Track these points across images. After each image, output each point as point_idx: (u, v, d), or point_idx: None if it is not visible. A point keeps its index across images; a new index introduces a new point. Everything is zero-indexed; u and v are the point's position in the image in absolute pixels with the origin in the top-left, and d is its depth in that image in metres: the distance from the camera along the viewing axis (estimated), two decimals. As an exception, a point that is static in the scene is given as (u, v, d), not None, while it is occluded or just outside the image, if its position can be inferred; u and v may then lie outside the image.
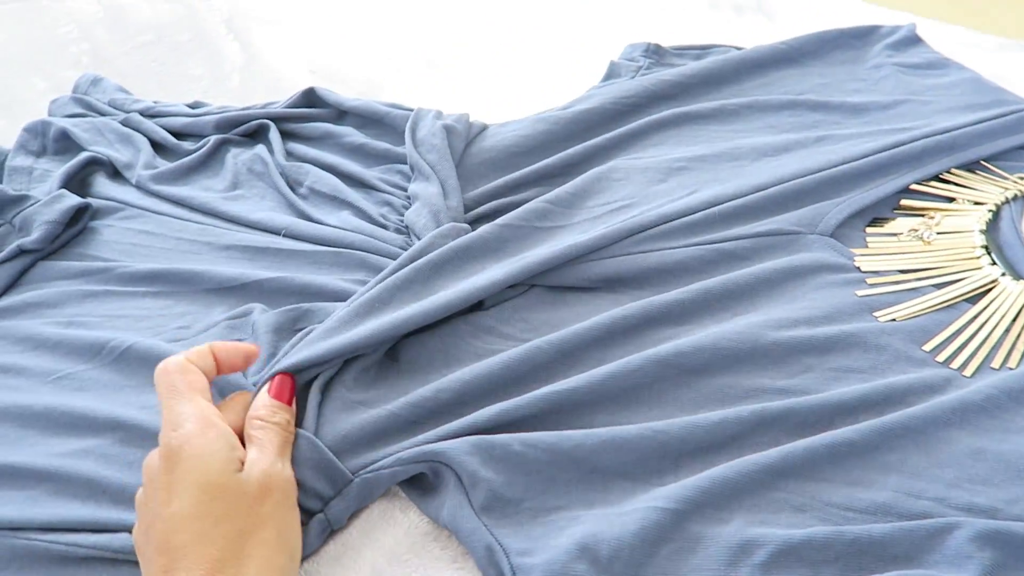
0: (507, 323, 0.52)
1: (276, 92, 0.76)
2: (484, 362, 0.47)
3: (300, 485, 0.41)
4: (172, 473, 0.36)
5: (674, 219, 0.55)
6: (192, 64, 0.81)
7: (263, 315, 0.51)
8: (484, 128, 0.65)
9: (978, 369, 0.45)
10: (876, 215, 0.57)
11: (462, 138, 0.62)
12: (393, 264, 0.52)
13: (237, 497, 0.36)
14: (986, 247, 0.52)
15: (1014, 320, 0.47)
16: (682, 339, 0.47)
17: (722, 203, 0.56)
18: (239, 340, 0.49)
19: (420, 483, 0.45)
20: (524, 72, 0.79)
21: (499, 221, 0.55)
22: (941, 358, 0.46)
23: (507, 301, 0.53)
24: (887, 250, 0.54)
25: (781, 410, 0.43)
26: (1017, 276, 0.50)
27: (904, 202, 0.57)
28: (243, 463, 0.38)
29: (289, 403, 0.43)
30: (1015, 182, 0.57)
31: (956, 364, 0.46)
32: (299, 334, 0.49)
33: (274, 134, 0.66)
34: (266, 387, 0.43)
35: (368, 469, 0.43)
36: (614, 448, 0.42)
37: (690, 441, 0.42)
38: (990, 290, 0.50)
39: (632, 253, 0.54)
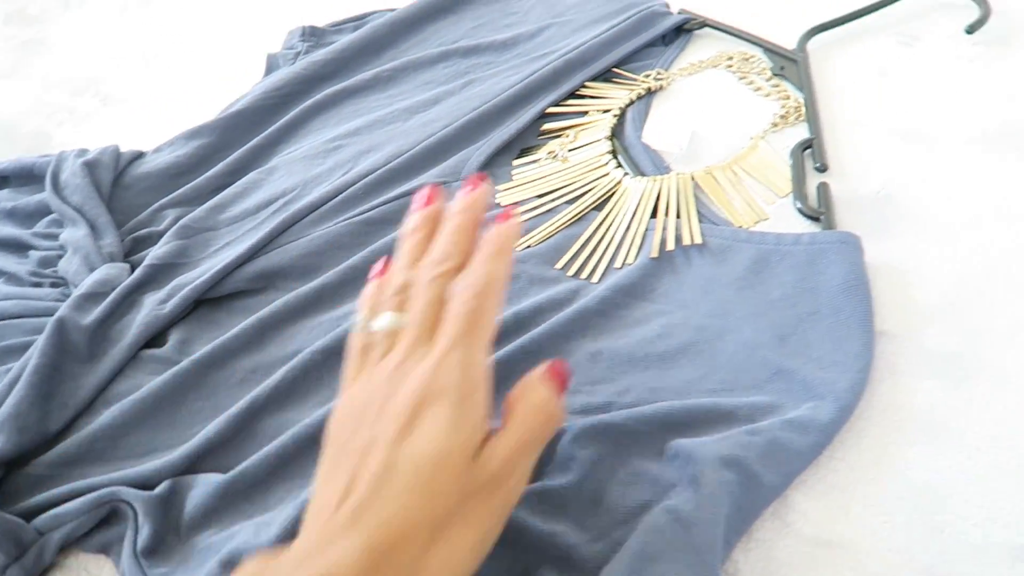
0: (173, 349, 0.50)
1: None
2: (131, 398, 0.46)
3: None
4: (418, 416, 0.30)
5: (329, 200, 0.55)
6: None
7: None
8: (139, 156, 0.63)
9: (604, 274, 0.48)
10: (524, 146, 0.59)
11: (109, 170, 0.60)
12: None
13: (463, 486, 0.29)
14: (613, 152, 0.55)
15: (633, 216, 0.50)
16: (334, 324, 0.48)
17: (374, 172, 0.56)
18: None
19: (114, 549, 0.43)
20: (208, 83, 0.76)
21: (148, 260, 0.53)
22: (572, 272, 0.48)
23: (175, 326, 0.52)
24: (529, 179, 0.55)
25: None
26: (639, 173, 0.53)
27: (544, 127, 0.59)
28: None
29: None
30: (642, 81, 0.60)
31: (585, 274, 0.48)
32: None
33: (-80, 218, 0.62)
34: None
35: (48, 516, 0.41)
36: (272, 457, 0.42)
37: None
38: (615, 193, 0.52)
39: (285, 244, 0.53)
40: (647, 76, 0.60)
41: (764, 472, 0.35)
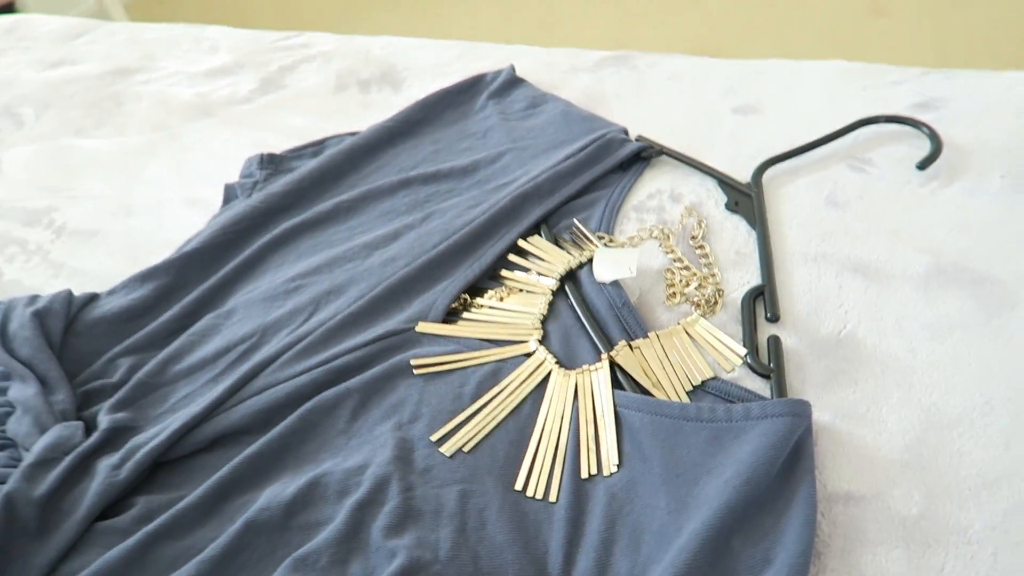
0: (131, 520, 0.48)
1: None
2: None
3: None
4: None
5: (290, 348, 0.54)
6: None
7: None
8: (92, 298, 0.61)
9: (560, 489, 0.46)
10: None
11: (60, 318, 0.59)
12: None
13: None
14: (542, 333, 0.54)
15: (562, 427, 0.48)
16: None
17: (336, 317, 0.56)
18: None
19: None
20: (170, 211, 0.75)
21: (103, 424, 0.51)
22: (531, 492, 0.46)
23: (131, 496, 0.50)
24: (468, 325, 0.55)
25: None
26: (559, 362, 0.52)
27: (503, 272, 0.58)
28: None
29: None
30: (588, 248, 0.58)
31: (541, 494, 0.45)
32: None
33: None
34: None
35: None
36: None
37: None
38: (544, 389, 0.50)
39: (244, 399, 0.52)
40: (601, 237, 0.59)
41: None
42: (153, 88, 0.90)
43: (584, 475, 0.45)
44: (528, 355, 0.52)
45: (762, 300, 0.51)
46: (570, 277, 0.56)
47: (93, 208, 0.75)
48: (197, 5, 2.74)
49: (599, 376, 0.49)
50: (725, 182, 0.60)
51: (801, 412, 0.42)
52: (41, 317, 0.58)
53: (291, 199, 0.67)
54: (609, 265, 0.54)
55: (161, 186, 0.76)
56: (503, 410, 0.49)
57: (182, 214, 0.71)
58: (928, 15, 1.89)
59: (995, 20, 1.84)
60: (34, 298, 0.60)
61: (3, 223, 0.76)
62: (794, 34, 1.93)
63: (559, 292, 0.56)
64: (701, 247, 0.56)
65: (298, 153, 0.73)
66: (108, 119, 0.87)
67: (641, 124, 0.69)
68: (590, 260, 0.57)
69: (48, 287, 0.67)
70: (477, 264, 0.58)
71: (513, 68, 0.77)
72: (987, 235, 0.53)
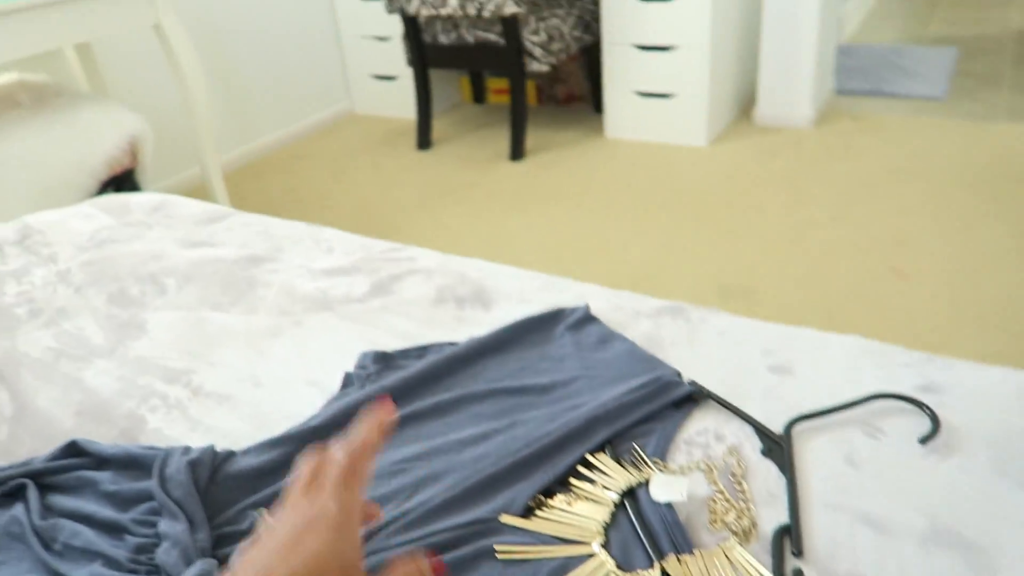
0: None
1: (45, 439, 0.82)
2: None
3: None
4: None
5: (394, 522, 0.66)
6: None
7: None
8: (231, 455, 0.74)
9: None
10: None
11: (207, 468, 0.71)
12: None
13: None
14: (606, 530, 0.65)
15: None
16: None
17: (433, 500, 0.67)
18: None
19: None
20: (291, 387, 0.90)
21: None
22: None
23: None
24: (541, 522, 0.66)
25: None
26: (618, 564, 0.62)
27: (572, 481, 0.71)
28: None
29: None
30: (646, 469, 0.72)
31: None
32: None
33: (32, 492, 0.72)
34: None
35: None
36: None
37: None
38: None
39: (356, 561, 0.63)
40: (656, 462, 0.72)
41: None
42: (281, 277, 1.08)
43: None
44: (591, 555, 0.63)
45: (789, 536, 0.63)
46: (629, 493, 0.69)
47: (226, 375, 0.89)
48: (282, 180, 3.07)
49: None
50: (761, 430, 0.73)
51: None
52: (193, 466, 0.71)
53: (398, 393, 0.81)
54: (664, 488, 0.67)
55: (285, 364, 0.90)
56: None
57: (303, 391, 0.85)
58: (945, 283, 2.09)
59: (1006, 293, 2.03)
60: (187, 449, 0.73)
61: (147, 377, 0.90)
62: (820, 285, 2.13)
63: (620, 504, 0.68)
64: (739, 484, 0.68)
65: (405, 354, 0.88)
66: (241, 299, 1.04)
67: (692, 370, 0.84)
68: (647, 481, 0.69)
69: (185, 439, 0.80)
70: (552, 471, 0.71)
71: (588, 307, 0.93)
72: (974, 508, 0.65)
